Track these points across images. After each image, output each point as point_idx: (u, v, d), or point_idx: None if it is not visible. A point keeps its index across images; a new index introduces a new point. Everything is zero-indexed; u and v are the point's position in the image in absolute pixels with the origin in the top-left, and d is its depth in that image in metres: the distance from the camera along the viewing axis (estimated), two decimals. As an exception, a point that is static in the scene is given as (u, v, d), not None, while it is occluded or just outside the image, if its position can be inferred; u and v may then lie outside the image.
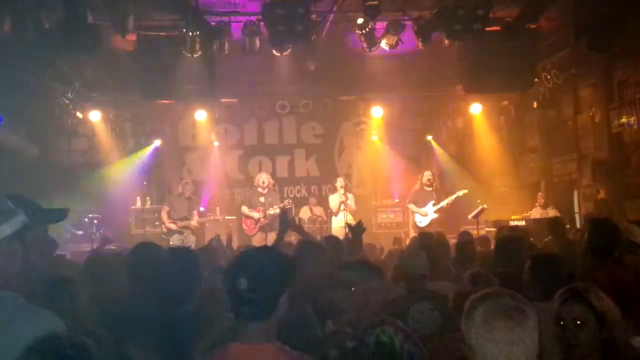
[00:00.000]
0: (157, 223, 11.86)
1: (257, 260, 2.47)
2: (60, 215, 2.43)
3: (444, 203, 11.19)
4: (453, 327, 3.56)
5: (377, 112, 13.52)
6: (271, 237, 10.54)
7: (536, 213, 11.19)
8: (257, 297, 2.31)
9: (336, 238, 5.91)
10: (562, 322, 2.81)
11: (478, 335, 2.05)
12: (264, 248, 2.87)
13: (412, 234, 11.07)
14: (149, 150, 13.45)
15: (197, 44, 9.20)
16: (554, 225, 7.29)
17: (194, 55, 9.38)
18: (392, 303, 4.41)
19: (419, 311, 4.25)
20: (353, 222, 5.90)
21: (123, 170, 12.87)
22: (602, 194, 10.58)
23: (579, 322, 2.76)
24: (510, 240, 5.04)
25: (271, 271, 2.39)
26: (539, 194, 11.69)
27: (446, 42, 9.43)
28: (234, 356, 2.32)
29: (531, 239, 6.87)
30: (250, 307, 2.32)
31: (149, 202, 12.45)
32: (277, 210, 11.35)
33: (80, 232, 11.66)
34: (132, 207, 12.31)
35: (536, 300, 3.59)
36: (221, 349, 2.38)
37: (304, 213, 12.40)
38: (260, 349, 2.31)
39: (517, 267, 4.09)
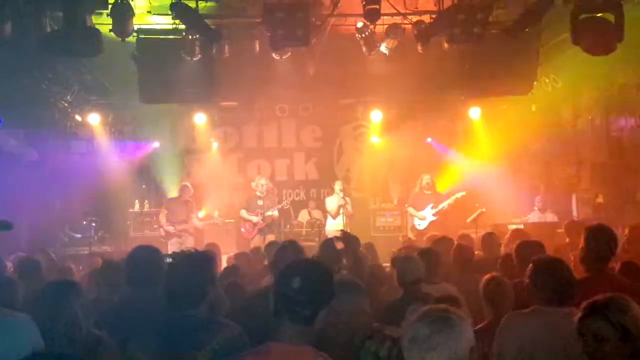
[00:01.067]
0: (155, 226, 11.86)
1: (312, 266, 2.64)
2: (4, 226, 2.50)
3: (442, 206, 11.20)
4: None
5: (376, 116, 13.51)
6: (269, 240, 10.55)
7: (534, 217, 11.18)
8: (305, 300, 2.43)
9: (332, 242, 5.84)
10: (584, 336, 2.79)
11: (406, 342, 2.22)
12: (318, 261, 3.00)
13: (411, 237, 11.08)
14: (147, 153, 13.43)
15: (196, 47, 9.20)
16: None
17: (194, 59, 9.38)
18: (389, 305, 4.43)
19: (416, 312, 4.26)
20: (346, 229, 5.88)
21: (121, 173, 12.83)
22: (600, 198, 10.58)
23: (600, 338, 2.73)
24: (529, 246, 5.01)
25: (323, 280, 2.53)
26: (538, 197, 11.68)
27: (446, 45, 9.44)
28: (275, 352, 2.41)
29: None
30: (297, 308, 2.42)
31: (147, 205, 12.44)
32: (276, 212, 11.37)
33: (78, 236, 11.65)
34: (131, 210, 12.30)
35: (538, 305, 3.62)
36: (261, 347, 2.46)
37: (303, 216, 12.41)
38: (299, 350, 2.42)
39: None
